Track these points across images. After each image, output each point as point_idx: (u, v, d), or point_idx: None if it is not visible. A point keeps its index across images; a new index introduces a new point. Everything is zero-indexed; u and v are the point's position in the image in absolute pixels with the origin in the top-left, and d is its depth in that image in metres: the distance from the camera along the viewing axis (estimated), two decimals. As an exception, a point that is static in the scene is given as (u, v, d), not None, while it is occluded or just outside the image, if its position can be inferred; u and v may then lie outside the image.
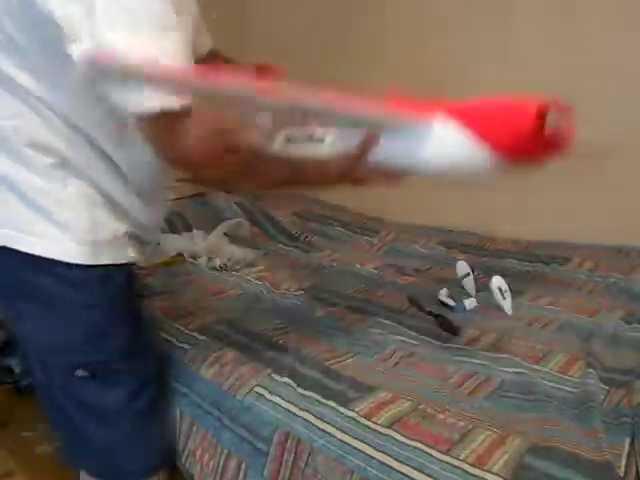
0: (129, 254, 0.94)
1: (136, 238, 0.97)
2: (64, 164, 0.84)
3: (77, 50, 0.68)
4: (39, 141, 0.82)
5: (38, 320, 0.91)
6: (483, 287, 1.46)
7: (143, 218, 0.96)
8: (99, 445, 1.00)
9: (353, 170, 0.82)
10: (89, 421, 0.98)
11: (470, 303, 1.37)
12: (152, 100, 0.68)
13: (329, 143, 0.85)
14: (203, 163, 0.77)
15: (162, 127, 0.72)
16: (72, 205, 0.85)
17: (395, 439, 0.86)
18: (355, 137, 0.81)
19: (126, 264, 0.94)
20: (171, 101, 0.69)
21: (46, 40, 0.74)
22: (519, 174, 0.79)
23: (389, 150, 0.81)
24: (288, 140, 0.87)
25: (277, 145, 0.85)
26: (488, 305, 1.37)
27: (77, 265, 0.86)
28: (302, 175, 0.84)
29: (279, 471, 0.92)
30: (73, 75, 0.70)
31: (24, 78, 0.79)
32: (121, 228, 0.92)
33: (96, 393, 0.96)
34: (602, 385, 1.01)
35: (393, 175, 0.84)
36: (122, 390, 0.98)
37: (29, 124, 0.81)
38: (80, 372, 0.93)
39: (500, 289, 1.33)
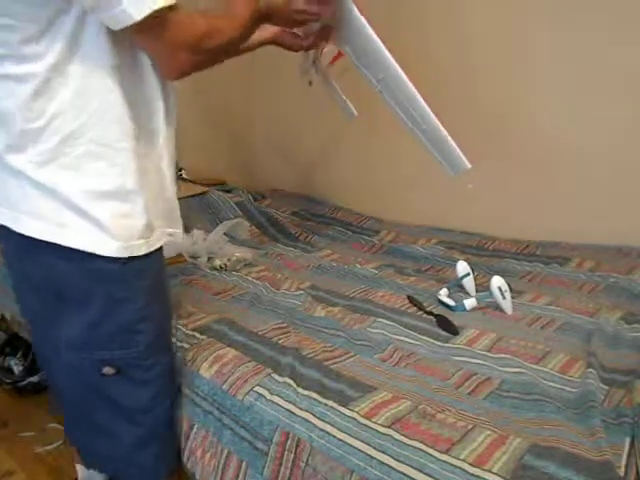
0: (160, 239, 0.94)
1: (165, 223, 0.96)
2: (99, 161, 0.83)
3: None
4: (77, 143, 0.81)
5: (69, 315, 0.89)
6: (483, 287, 1.46)
7: (171, 200, 0.96)
8: (124, 445, 0.99)
9: None
10: (115, 420, 0.97)
11: (470, 303, 1.37)
12: (141, 5, 0.72)
13: None
14: (203, 48, 0.81)
15: (160, 28, 0.75)
16: (106, 200, 0.84)
17: (395, 439, 0.86)
18: None
19: (157, 251, 0.93)
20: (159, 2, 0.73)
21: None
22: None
23: None
24: None
25: None
26: (488, 305, 1.37)
27: (114, 258, 0.85)
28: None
29: (279, 471, 0.92)
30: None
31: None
32: (154, 217, 0.91)
33: (123, 391, 0.95)
34: (602, 385, 1.01)
35: None
36: (150, 389, 0.98)
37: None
38: (107, 369, 0.92)
39: (500, 289, 1.33)
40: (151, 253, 0.91)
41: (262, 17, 0.93)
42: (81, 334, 0.90)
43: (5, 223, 0.86)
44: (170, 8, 0.74)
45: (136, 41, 0.80)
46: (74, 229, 0.83)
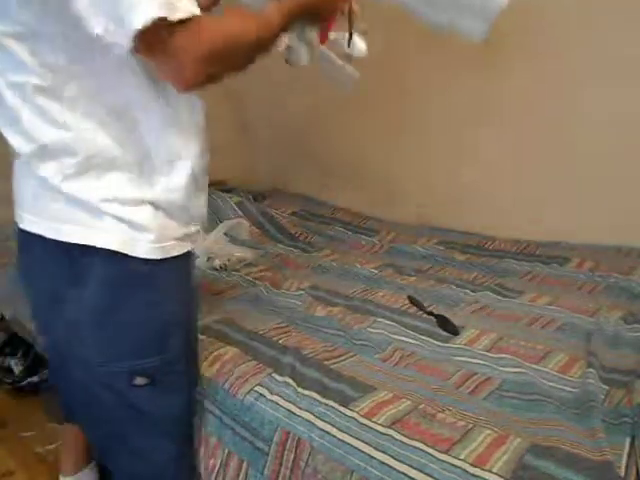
0: (191, 241, 0.92)
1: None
2: (139, 173, 0.82)
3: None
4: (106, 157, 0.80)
5: (99, 325, 0.84)
6: (483, 287, 1.46)
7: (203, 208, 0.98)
8: (151, 460, 0.95)
9: None
10: (144, 433, 0.93)
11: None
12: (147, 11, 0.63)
13: None
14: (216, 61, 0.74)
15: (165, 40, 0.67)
16: (141, 204, 0.82)
17: (395, 439, 0.87)
18: None
19: (187, 254, 0.91)
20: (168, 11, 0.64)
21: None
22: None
23: None
24: None
25: None
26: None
27: (147, 260, 0.82)
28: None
29: (279, 470, 0.92)
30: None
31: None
32: (190, 223, 0.91)
33: (155, 401, 0.91)
34: (602, 385, 1.01)
35: None
36: (181, 396, 0.95)
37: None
38: (139, 380, 0.87)
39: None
40: (182, 255, 0.89)
41: (301, 14, 0.86)
42: (113, 343, 0.86)
43: (43, 233, 0.81)
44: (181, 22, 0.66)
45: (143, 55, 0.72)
46: (107, 230, 0.80)
